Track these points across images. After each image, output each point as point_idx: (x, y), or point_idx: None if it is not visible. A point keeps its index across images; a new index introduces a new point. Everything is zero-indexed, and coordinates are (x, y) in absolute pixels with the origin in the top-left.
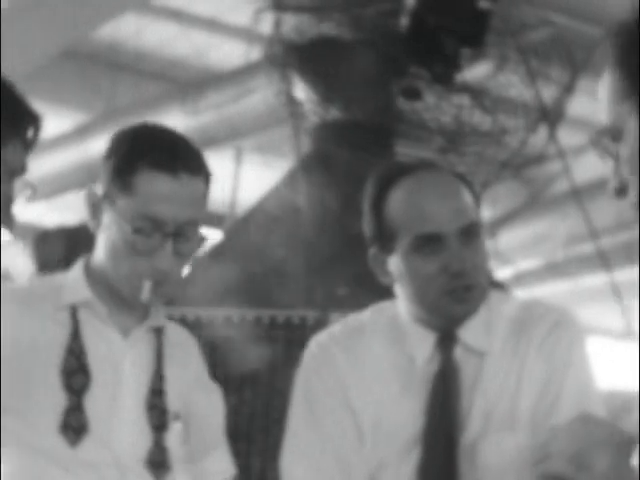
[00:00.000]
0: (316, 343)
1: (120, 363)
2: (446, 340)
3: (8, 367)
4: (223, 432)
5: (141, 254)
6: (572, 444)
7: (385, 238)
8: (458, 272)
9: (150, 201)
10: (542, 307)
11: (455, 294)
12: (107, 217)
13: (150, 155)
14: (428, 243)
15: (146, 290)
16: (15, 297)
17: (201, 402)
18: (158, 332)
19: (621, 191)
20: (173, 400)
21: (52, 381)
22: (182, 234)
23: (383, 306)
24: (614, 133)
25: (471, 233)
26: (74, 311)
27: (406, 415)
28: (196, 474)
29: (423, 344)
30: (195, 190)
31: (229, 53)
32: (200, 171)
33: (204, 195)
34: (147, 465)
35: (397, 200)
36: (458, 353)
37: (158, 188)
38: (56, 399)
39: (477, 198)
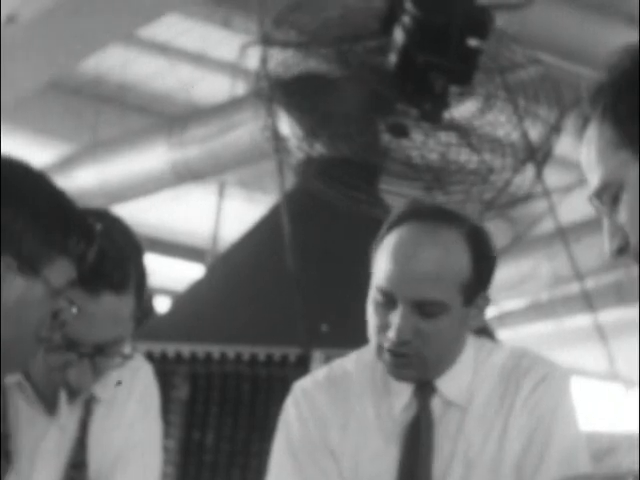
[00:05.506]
0: (300, 389)
1: (38, 444)
2: (422, 390)
3: None
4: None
5: (55, 369)
6: None
7: (370, 280)
8: (394, 338)
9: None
10: (531, 359)
11: (391, 356)
12: None
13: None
14: (382, 298)
15: (62, 400)
16: None
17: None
18: (88, 401)
19: (621, 251)
20: (98, 464)
21: None
22: (102, 353)
23: (367, 352)
24: (613, 187)
25: (427, 309)
26: (4, 393)
27: (386, 464)
28: None
29: (402, 393)
30: (118, 309)
31: (214, 87)
32: (125, 288)
33: (130, 312)
34: None
35: (381, 248)
36: (437, 403)
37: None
38: None
39: (481, 264)
